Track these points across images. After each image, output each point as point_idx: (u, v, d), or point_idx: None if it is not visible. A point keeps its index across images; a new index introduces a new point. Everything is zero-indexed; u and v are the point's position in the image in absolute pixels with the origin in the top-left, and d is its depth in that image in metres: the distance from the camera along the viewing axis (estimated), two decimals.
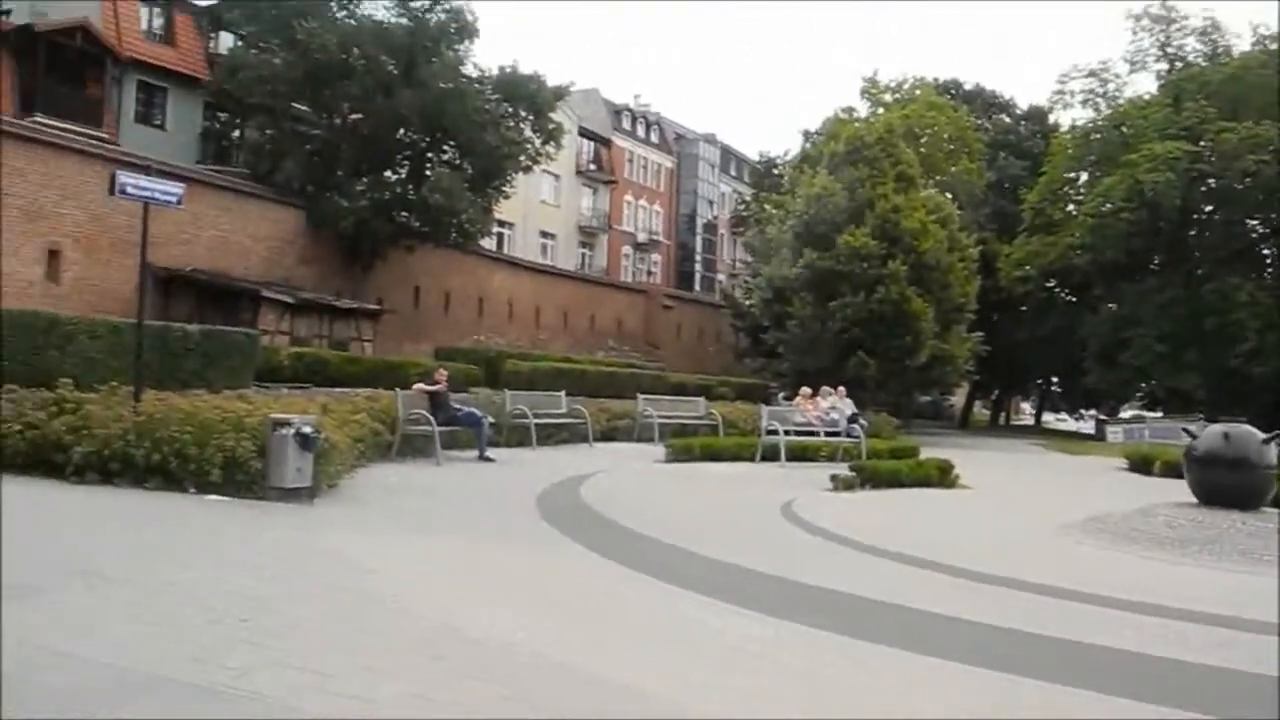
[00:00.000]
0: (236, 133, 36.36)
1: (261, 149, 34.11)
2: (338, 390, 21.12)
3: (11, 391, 11.19)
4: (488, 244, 46.41)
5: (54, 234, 25.36)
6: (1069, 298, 50.90)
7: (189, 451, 9.67)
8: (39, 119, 28.88)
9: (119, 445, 9.75)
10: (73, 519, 8.31)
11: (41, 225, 25.10)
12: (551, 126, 36.08)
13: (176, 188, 11.65)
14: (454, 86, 32.02)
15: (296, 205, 32.83)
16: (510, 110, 35.02)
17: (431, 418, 14.40)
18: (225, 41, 35.70)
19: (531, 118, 35.90)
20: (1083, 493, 17.00)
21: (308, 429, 9.84)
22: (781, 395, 30.23)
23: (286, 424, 9.83)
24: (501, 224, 48.81)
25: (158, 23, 34.76)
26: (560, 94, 36.67)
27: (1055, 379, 58.43)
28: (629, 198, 59.47)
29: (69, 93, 31.00)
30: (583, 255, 56.10)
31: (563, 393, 19.90)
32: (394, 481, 11.98)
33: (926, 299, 32.91)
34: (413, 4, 33.28)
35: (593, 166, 56.68)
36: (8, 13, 33.20)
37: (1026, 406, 78.72)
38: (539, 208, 52.21)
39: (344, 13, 32.92)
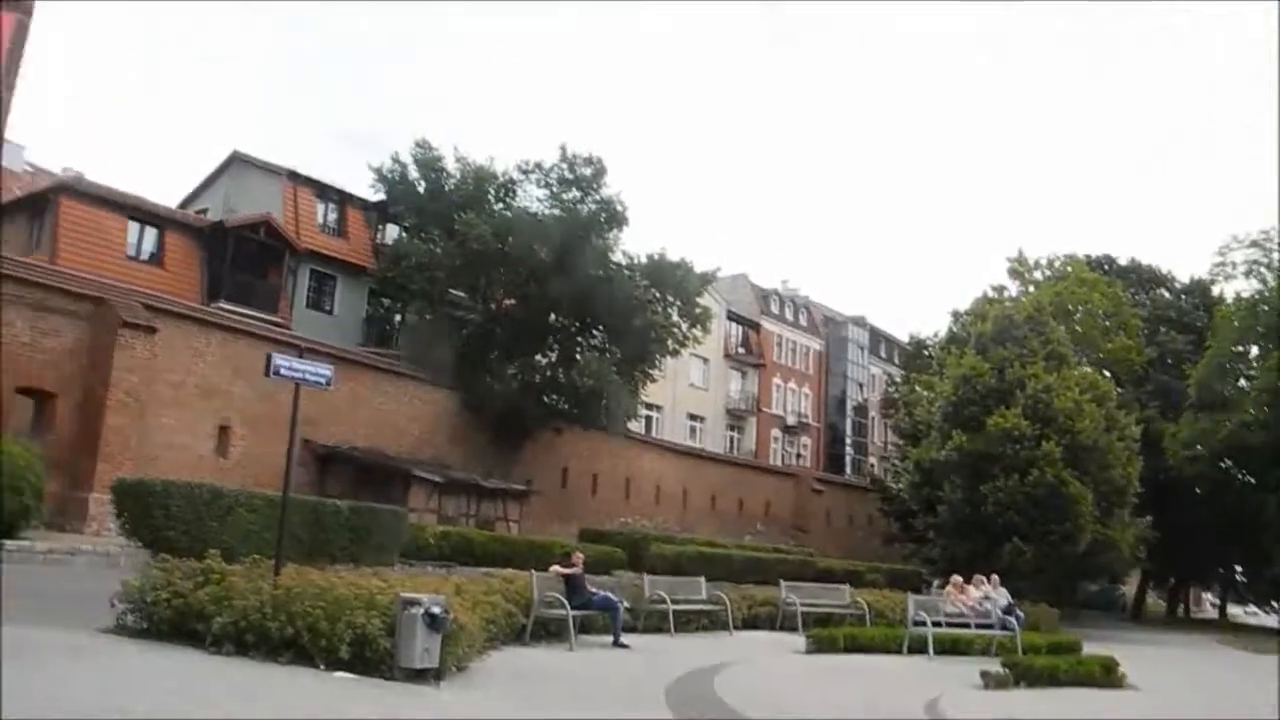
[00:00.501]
0: (398, 317, 38.14)
1: (420, 333, 35.66)
2: (481, 570, 21.27)
3: (164, 560, 11.55)
4: (636, 426, 46.95)
5: (225, 411, 26.70)
6: (1247, 479, 47.66)
7: (320, 627, 9.70)
8: (223, 305, 31.02)
9: (256, 617, 9.85)
10: (195, 690, 8.34)
11: (215, 402, 26.48)
12: (698, 311, 36.75)
13: (326, 369, 12.12)
14: (604, 273, 33.02)
15: (450, 387, 33.91)
16: (658, 295, 35.84)
17: (566, 601, 14.20)
18: (391, 233, 38.00)
19: (679, 303, 36.67)
20: (1269, 698, 15.48)
21: (437, 609, 9.78)
22: (936, 583, 29.04)
23: (416, 603, 9.79)
24: (650, 406, 49.39)
25: (332, 217, 37.29)
26: (707, 279, 37.45)
27: (1238, 567, 54.25)
28: (778, 380, 59.60)
29: (250, 281, 33.29)
30: (731, 438, 56.05)
31: (702, 578, 19.45)
32: (524, 666, 11.75)
33: (1084, 481, 31.49)
34: (565, 196, 34.83)
35: (741, 350, 57.22)
36: (204, 211, 36.26)
37: (1208, 597, 73.12)
38: (688, 391, 52.72)
39: (500, 204, 34.67)
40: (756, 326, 58.70)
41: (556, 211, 34.96)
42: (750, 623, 19.50)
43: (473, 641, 10.76)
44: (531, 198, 35.45)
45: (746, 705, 10.25)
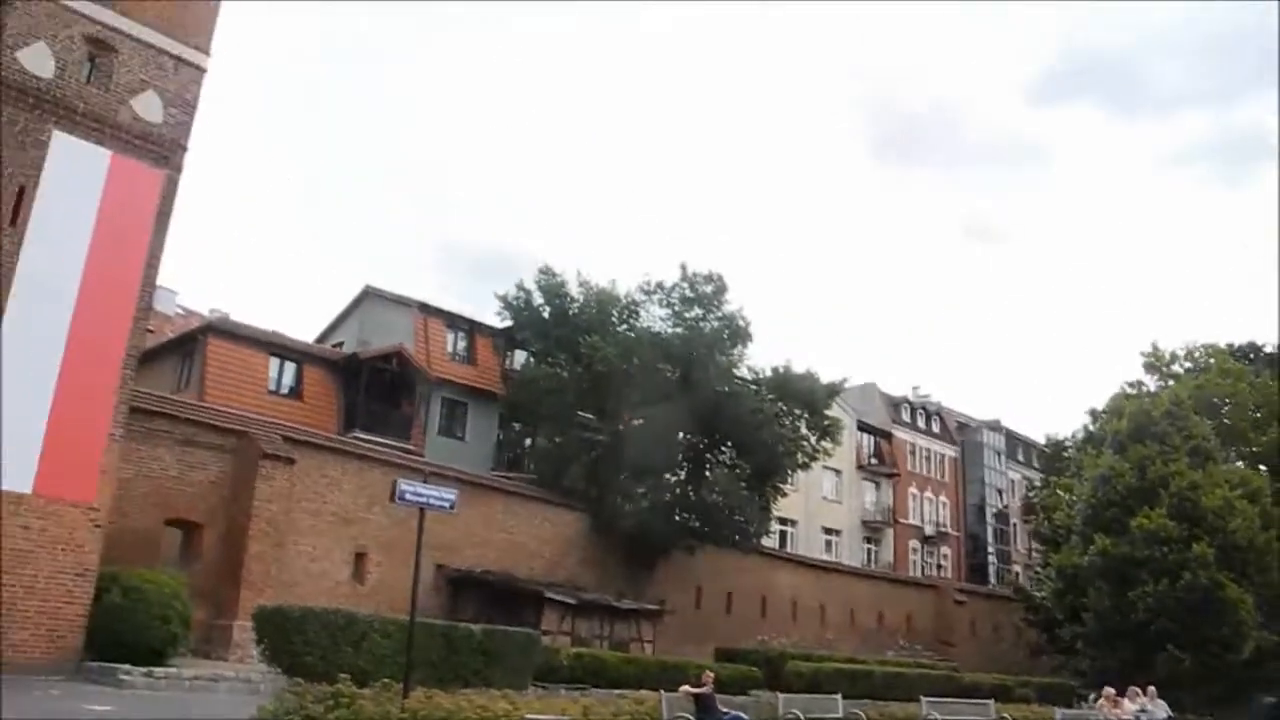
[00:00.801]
0: (528, 441, 38.63)
1: (549, 455, 36.00)
2: (615, 691, 20.93)
3: (298, 685, 11.73)
4: (770, 542, 46.23)
5: (361, 538, 27.24)
6: None
7: None
8: (358, 434, 31.94)
9: None
10: None
11: (352, 530, 27.06)
12: (827, 423, 36.38)
13: (450, 493, 12.45)
14: (729, 389, 33.03)
15: (580, 508, 34.02)
16: (785, 409, 35.62)
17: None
18: (519, 358, 38.81)
19: (807, 415, 36.38)
20: None
21: None
22: (1091, 696, 27.48)
23: None
24: (783, 521, 48.69)
25: (461, 345, 38.33)
26: (834, 390, 37.10)
27: None
28: (913, 490, 58.19)
29: (384, 410, 34.27)
30: (868, 551, 54.71)
31: (839, 695, 18.83)
32: None
33: (1243, 584, 29.62)
34: (687, 314, 35.18)
35: (874, 460, 56.21)
36: (340, 344, 37.72)
37: None
38: (821, 504, 51.87)
39: (624, 326, 35.13)
40: (888, 436, 57.69)
41: (679, 330, 35.29)
42: None
43: None
44: (654, 317, 35.97)
45: None
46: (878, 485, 56.42)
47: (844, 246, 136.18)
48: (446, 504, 12.51)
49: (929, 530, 58.24)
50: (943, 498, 60.19)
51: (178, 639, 18.89)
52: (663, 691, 14.71)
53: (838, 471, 52.75)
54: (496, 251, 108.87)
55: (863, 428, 55.92)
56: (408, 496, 12.00)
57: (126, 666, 17.33)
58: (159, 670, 17.60)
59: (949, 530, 59.76)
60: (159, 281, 30.79)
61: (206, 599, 23.01)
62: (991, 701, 21.57)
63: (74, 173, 18.51)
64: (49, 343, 18.06)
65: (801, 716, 16.85)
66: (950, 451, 62.09)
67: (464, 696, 11.67)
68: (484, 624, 23.99)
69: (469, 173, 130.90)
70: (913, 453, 59.25)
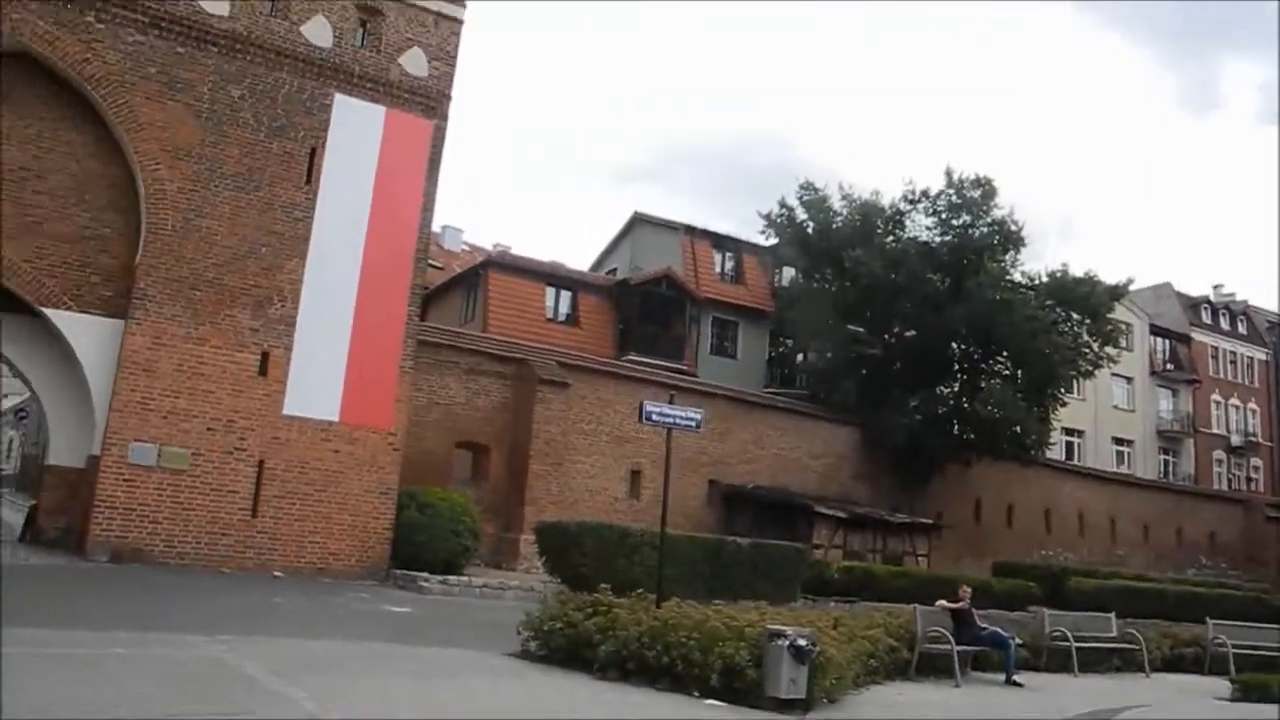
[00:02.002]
0: (799, 357, 38.82)
1: (820, 371, 36.11)
2: (885, 605, 21.10)
3: (562, 593, 12.74)
4: (1056, 453, 44.46)
5: (636, 456, 28.50)
6: None
7: (693, 657, 10.32)
8: (632, 357, 33.22)
9: (636, 646, 10.68)
10: (580, 710, 9.19)
11: (627, 448, 28.36)
12: (1109, 328, 34.38)
13: (695, 413, 12.99)
14: (1001, 297, 31.81)
15: (852, 423, 34.00)
16: (1063, 315, 33.98)
17: (952, 637, 13.93)
18: (788, 274, 38.88)
19: (1088, 321, 34.54)
20: None
21: (802, 641, 10.07)
22: None
23: (781, 635, 10.15)
24: (1069, 432, 46.68)
25: (729, 265, 38.84)
26: (1117, 293, 34.91)
27: None
28: (1216, 397, 53.96)
29: (656, 332, 35.36)
30: (1165, 462, 51.46)
31: (1112, 615, 18.15)
32: (899, 700, 11.73)
33: None
34: (955, 222, 34.01)
35: (1169, 366, 52.50)
36: (613, 271, 39.14)
37: None
38: (1111, 413, 49.21)
39: (890, 238, 34.42)
40: (1186, 339, 53.63)
41: (948, 238, 34.22)
42: (1172, 664, 17.94)
43: (842, 674, 10.90)
44: (920, 226, 34.94)
45: None
46: (1174, 392, 52.74)
47: (1130, 141, 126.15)
48: (692, 423, 13.08)
49: (1236, 440, 53.93)
50: (1251, 404, 55.47)
51: (469, 550, 20.73)
52: (916, 605, 14.77)
53: (1128, 379, 49.76)
54: (746, 161, 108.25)
55: (1156, 331, 52.26)
56: (654, 417, 12.66)
57: (425, 574, 19.27)
58: (453, 578, 19.45)
59: (1259, 440, 55.13)
60: (448, 220, 32.17)
61: (495, 514, 25.01)
62: None
63: (355, 130, 20.30)
64: (344, 286, 20.05)
65: (1069, 634, 16.43)
66: (1260, 354, 56.94)
67: (715, 607, 12.20)
68: (755, 538, 24.75)
69: (703, 71, 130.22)
70: (1215, 356, 54.77)
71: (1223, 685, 15.77)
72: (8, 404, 50.42)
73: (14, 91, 18.18)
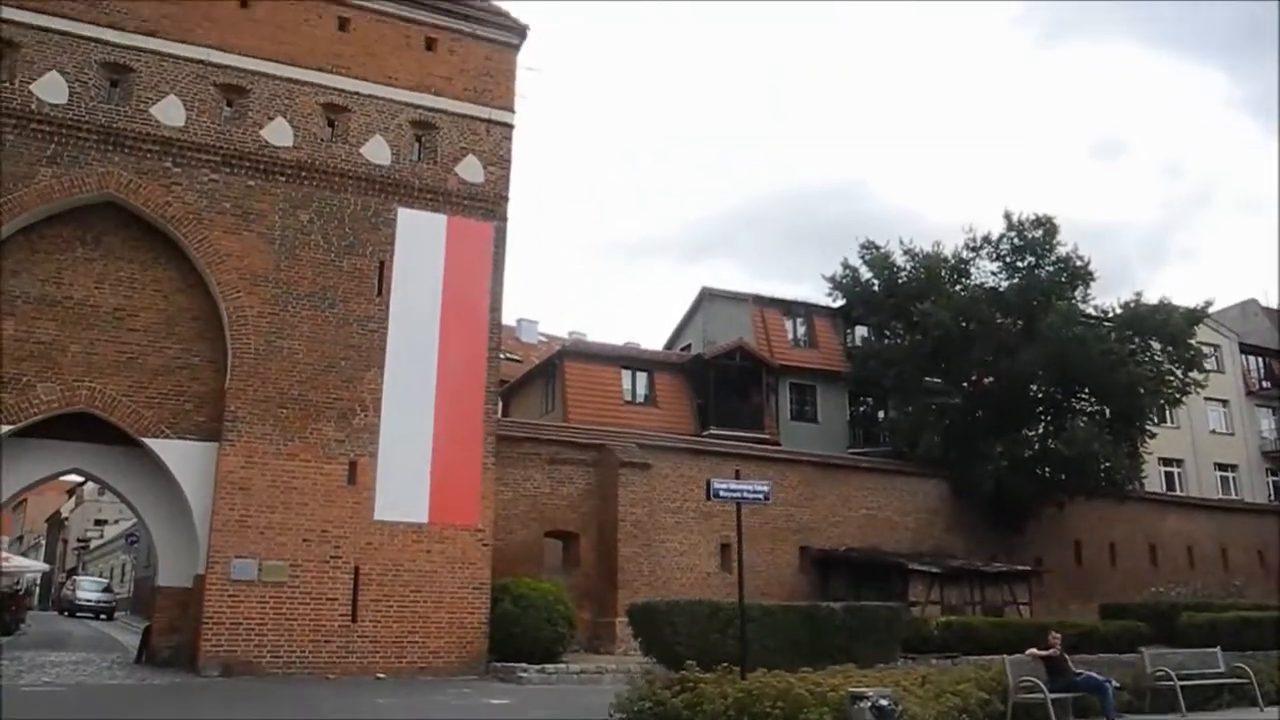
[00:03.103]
0: (880, 414, 38.73)
1: (901, 426, 35.94)
2: (988, 658, 20.85)
3: (649, 672, 13.01)
4: (1155, 485, 43.44)
5: (724, 529, 28.54)
6: None
7: None
8: (713, 431, 33.56)
9: (722, 719, 10.91)
10: None
11: (714, 522, 28.43)
12: (1190, 354, 33.79)
13: (763, 486, 13.24)
14: (1074, 333, 31.53)
15: (939, 475, 33.73)
16: (1140, 344, 33.54)
17: (1043, 685, 13.84)
18: (860, 333, 39.00)
19: (1169, 348, 34.03)
20: None
21: (884, 701, 10.26)
22: None
23: (864, 697, 10.33)
24: (1167, 462, 45.61)
25: (800, 330, 39.12)
26: (1195, 317, 34.36)
27: None
28: None
29: (735, 405, 35.64)
30: (1275, 484, 49.77)
31: (1217, 649, 17.73)
32: None
33: None
34: (1019, 264, 33.94)
35: (1266, 384, 51.00)
36: (687, 347, 39.64)
37: None
38: (1209, 439, 47.92)
39: (957, 287, 34.44)
40: None
41: (1014, 280, 34.14)
42: None
43: None
44: (985, 272, 34.97)
45: None
46: (1275, 410, 51.16)
47: (1204, 159, 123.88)
48: (761, 496, 13.35)
49: None
50: None
51: (564, 637, 21.03)
52: (1005, 656, 14.70)
53: (1224, 401, 48.49)
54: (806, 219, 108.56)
55: (1246, 350, 50.93)
56: (722, 494, 12.98)
57: (524, 665, 19.59)
58: (550, 667, 19.75)
59: None
60: (523, 314, 32.71)
61: (590, 599, 25.35)
62: None
63: (419, 241, 21.23)
64: (422, 390, 20.79)
65: (1171, 673, 16.13)
66: None
67: (802, 674, 12.32)
68: (851, 600, 24.67)
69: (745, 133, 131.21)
70: None
71: None
72: (116, 530, 52.34)
73: (104, 237, 19.49)
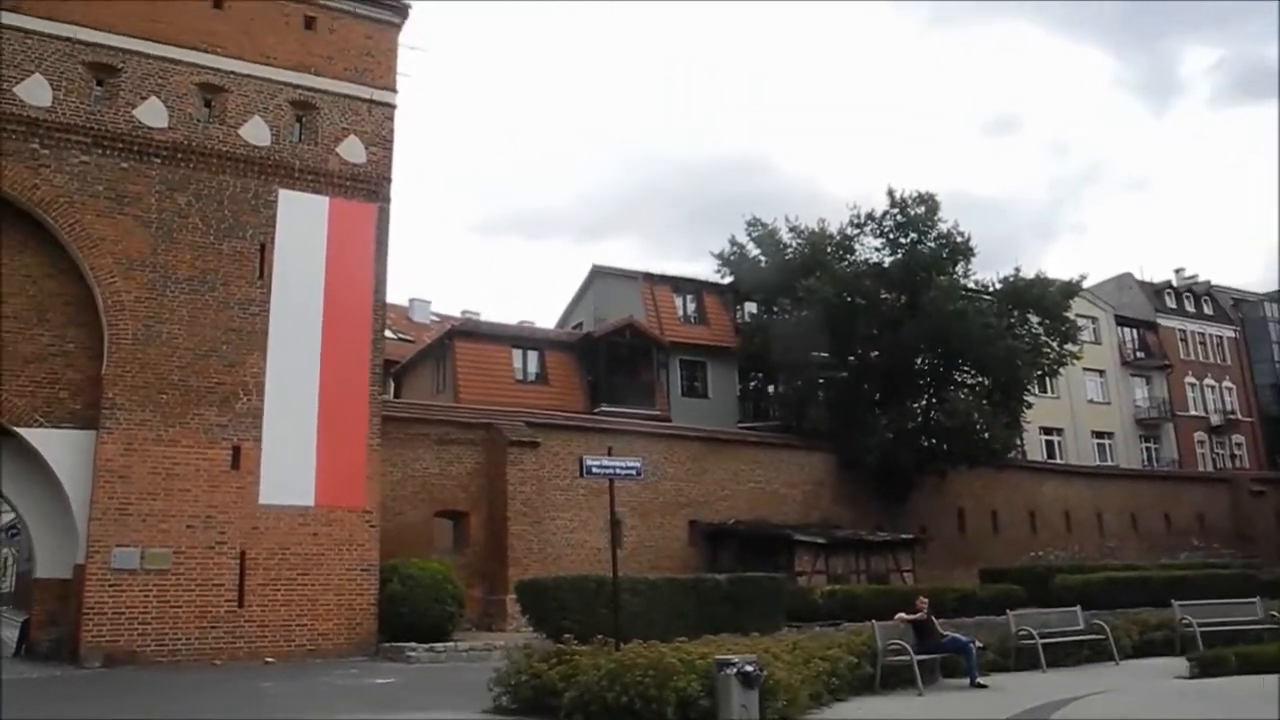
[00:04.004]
0: (770, 388, 39.43)
1: (790, 401, 36.71)
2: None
3: (528, 646, 13.26)
4: (1036, 454, 45.14)
5: (616, 506, 28.94)
6: None
7: (650, 693, 10.86)
8: (605, 409, 33.82)
9: (596, 690, 11.23)
10: None
11: (604, 499, 28.52)
12: (1065, 326, 35.18)
13: (634, 463, 13.59)
14: (955, 308, 32.55)
15: (826, 448, 34.58)
16: (1019, 318, 34.80)
17: (909, 647, 14.48)
18: (750, 308, 39.59)
19: (1046, 321, 35.38)
20: None
21: (749, 668, 10.62)
22: None
23: (729, 664, 10.70)
24: (1048, 431, 47.47)
25: (690, 307, 39.56)
26: (1071, 290, 35.78)
27: None
28: (1190, 379, 54.69)
29: (625, 382, 35.91)
30: (1147, 450, 52.12)
31: (1077, 608, 18.68)
32: (859, 716, 12.22)
33: None
34: (903, 240, 34.85)
35: (1140, 355, 53.36)
36: (579, 325, 39.82)
37: None
38: (1087, 408, 49.95)
39: (844, 263, 35.21)
40: (1153, 326, 54.52)
41: (898, 256, 35.06)
42: (1143, 650, 18.35)
43: (794, 695, 11.43)
44: (869, 249, 35.86)
45: None
46: (1148, 380, 53.53)
47: (1090, 136, 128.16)
48: (633, 472, 13.68)
49: (1215, 420, 54.57)
50: (1226, 383, 56.21)
51: (453, 616, 21.18)
52: (874, 621, 15.31)
53: (1100, 371, 50.61)
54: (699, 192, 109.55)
55: (1122, 321, 53.20)
56: (594, 470, 13.27)
57: (413, 644, 19.71)
58: (440, 645, 19.90)
59: (1239, 416, 55.88)
60: (415, 293, 32.47)
61: (481, 578, 25.53)
62: (1257, 599, 20.55)
63: (301, 223, 21.05)
64: (306, 374, 20.67)
65: (1034, 633, 16.95)
66: (1228, 332, 57.86)
67: (677, 645, 12.57)
68: (738, 572, 25.24)
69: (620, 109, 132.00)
70: (1184, 340, 55.59)
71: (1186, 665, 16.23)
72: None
73: None
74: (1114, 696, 13.42)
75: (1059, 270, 35.33)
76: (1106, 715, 12.14)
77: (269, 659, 18.96)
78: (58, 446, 18.97)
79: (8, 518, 49.97)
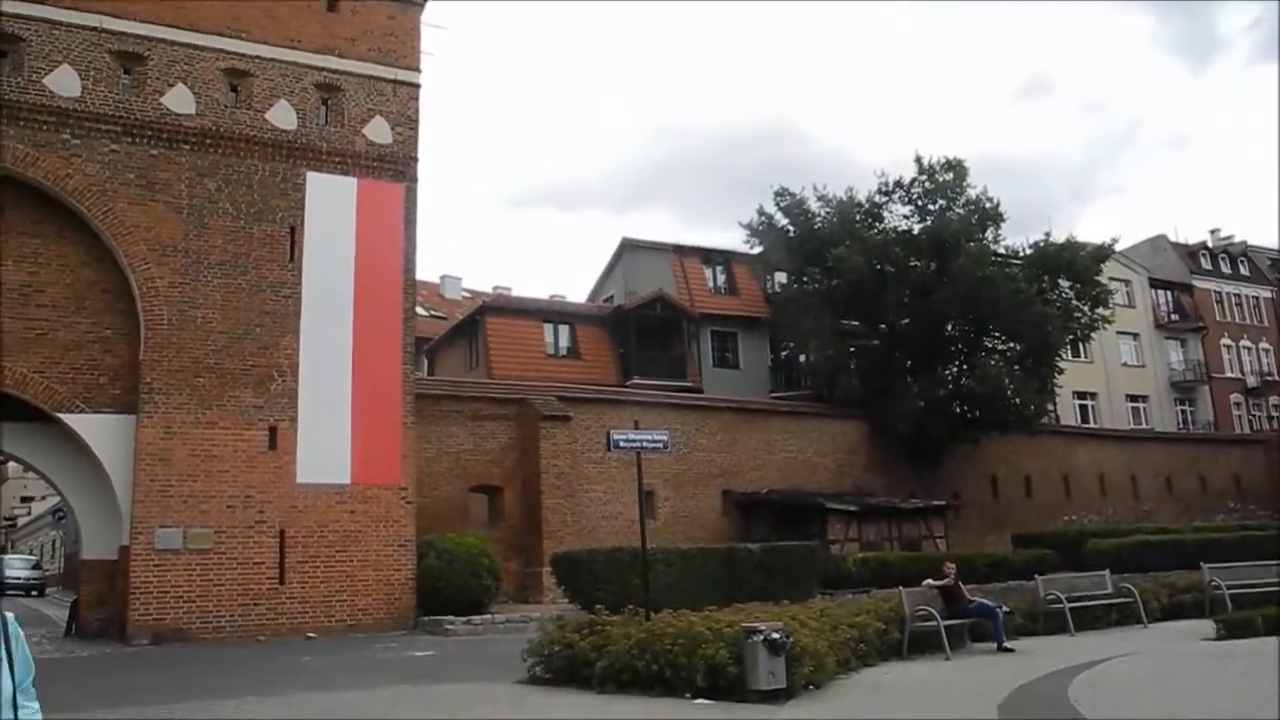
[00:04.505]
0: (801, 358, 39.43)
1: (821, 370, 36.71)
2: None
3: (561, 616, 13.53)
4: (1070, 418, 44.91)
5: (648, 477, 29.10)
6: None
7: (679, 661, 11.10)
8: (637, 381, 34.02)
9: (627, 659, 11.48)
10: None
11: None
12: (1096, 290, 34.94)
13: (661, 435, 13.79)
14: (985, 274, 32.43)
15: (858, 416, 34.60)
16: (1049, 283, 34.60)
17: (937, 613, 14.62)
18: (780, 278, 39.56)
19: (1077, 285, 35.16)
20: None
21: (776, 635, 10.83)
22: None
23: (756, 631, 10.91)
24: (1082, 395, 47.17)
25: (720, 278, 39.65)
26: (1102, 254, 35.50)
27: None
28: (1225, 341, 54.02)
29: (657, 354, 36.13)
30: (1182, 413, 51.65)
31: (1106, 571, 18.74)
32: (885, 680, 12.39)
33: None
34: (931, 207, 34.68)
35: (1174, 317, 52.75)
36: (610, 299, 39.96)
37: None
38: (1121, 371, 49.55)
39: (873, 231, 35.10)
40: (1188, 288, 53.86)
41: (927, 223, 34.90)
42: (1172, 613, 18.42)
43: (821, 661, 11.60)
44: (898, 216, 35.69)
45: (1091, 703, 10.17)
46: (1183, 342, 52.95)
47: (1128, 99, 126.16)
48: (660, 445, 13.85)
49: (1252, 381, 53.85)
50: (1263, 344, 55.39)
51: (490, 589, 21.51)
52: (901, 588, 15.45)
53: (1134, 335, 50.17)
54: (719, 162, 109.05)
55: (1156, 284, 52.59)
56: (621, 444, 13.45)
57: (450, 617, 20.07)
58: (477, 618, 20.26)
59: (1276, 377, 55.17)
60: (447, 270, 32.66)
61: (517, 551, 25.89)
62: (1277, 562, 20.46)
63: (329, 204, 21.25)
64: (339, 353, 20.95)
65: (1061, 596, 17.04)
66: (1265, 293, 56.94)
67: (706, 613, 12.74)
68: (772, 542, 25.43)
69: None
70: (1219, 302, 54.84)
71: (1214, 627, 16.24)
72: (44, 506, 51.71)
73: (5, 213, 19.25)
74: (1137, 659, 13.51)
75: (1095, 232, 35.07)
76: (1129, 678, 12.21)
77: (310, 634, 19.37)
78: (99, 431, 19.39)
79: (54, 501, 51.15)
